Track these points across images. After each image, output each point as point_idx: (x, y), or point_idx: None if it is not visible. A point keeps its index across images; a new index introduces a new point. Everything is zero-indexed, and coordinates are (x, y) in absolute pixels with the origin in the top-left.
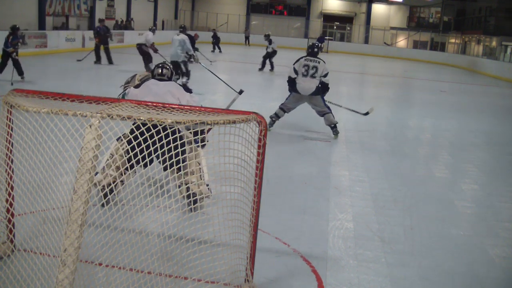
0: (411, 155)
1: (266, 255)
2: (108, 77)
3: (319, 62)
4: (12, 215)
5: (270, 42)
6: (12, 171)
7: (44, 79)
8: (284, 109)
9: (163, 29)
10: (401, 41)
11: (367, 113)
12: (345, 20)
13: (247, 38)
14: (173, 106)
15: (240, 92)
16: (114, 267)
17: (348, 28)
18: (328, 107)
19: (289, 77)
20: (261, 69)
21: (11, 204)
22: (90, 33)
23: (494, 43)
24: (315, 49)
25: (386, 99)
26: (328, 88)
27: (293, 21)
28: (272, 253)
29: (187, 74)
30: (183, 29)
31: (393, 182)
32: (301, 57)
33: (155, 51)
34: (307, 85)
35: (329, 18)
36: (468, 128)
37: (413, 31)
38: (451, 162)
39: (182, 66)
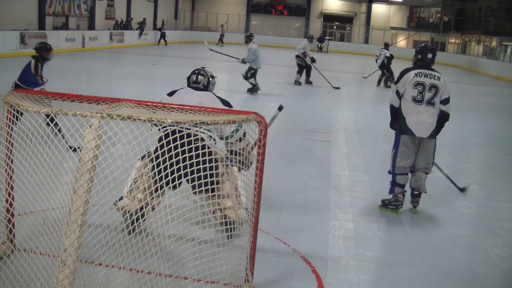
0: None
1: (266, 255)
2: (108, 77)
3: (439, 78)
4: (12, 215)
5: (386, 47)
6: (12, 171)
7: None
8: (405, 171)
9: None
10: (401, 41)
11: (463, 189)
12: (345, 20)
13: (221, 36)
14: (173, 106)
15: (280, 108)
16: (114, 267)
17: (348, 28)
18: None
19: (390, 106)
20: (391, 79)
21: (11, 204)
22: (90, 33)
23: (494, 43)
24: (431, 55)
25: (387, 99)
26: (447, 120)
27: (293, 21)
28: (272, 253)
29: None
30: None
31: None
32: (408, 70)
33: (312, 61)
34: (424, 118)
35: (329, 18)
36: (468, 128)
37: (413, 31)
38: (451, 162)
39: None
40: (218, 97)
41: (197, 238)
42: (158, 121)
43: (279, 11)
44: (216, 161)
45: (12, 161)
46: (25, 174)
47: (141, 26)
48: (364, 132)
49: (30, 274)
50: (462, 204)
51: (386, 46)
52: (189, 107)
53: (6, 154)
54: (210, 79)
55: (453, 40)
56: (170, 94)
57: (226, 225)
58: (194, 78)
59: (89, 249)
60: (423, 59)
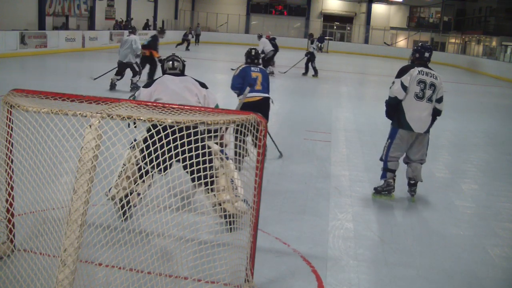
0: None
1: (266, 255)
2: (108, 77)
3: (436, 77)
4: (12, 215)
5: (312, 42)
6: (12, 171)
7: (44, 79)
8: (396, 159)
9: None
10: (401, 41)
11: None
12: (345, 20)
13: (198, 35)
14: (173, 106)
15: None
16: (114, 267)
17: (348, 28)
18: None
19: (393, 99)
20: (304, 73)
21: (11, 204)
22: (90, 33)
23: (494, 43)
24: (428, 54)
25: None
26: (439, 115)
27: (293, 21)
28: (272, 253)
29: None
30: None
31: None
32: (410, 66)
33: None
34: (423, 115)
35: (329, 18)
36: (468, 128)
37: (413, 31)
38: (451, 162)
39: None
40: (196, 80)
41: (197, 238)
42: (158, 121)
43: (279, 11)
44: (210, 154)
45: (12, 161)
46: (25, 174)
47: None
48: (364, 132)
49: (30, 274)
50: (462, 204)
51: (311, 36)
52: (189, 107)
53: (6, 154)
54: (184, 63)
55: (453, 40)
56: (147, 85)
57: (225, 218)
58: (171, 65)
59: (89, 249)
60: (421, 57)
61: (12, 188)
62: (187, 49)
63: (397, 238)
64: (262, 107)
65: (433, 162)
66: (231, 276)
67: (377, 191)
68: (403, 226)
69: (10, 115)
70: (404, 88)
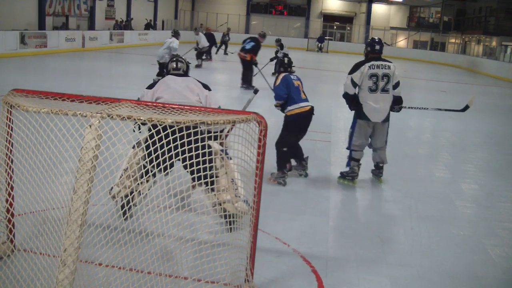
0: (411, 155)
1: (266, 255)
2: (108, 77)
3: (389, 67)
4: (12, 215)
5: (281, 47)
6: (12, 171)
7: (44, 79)
8: (360, 149)
9: (163, 29)
10: (401, 41)
11: (466, 108)
12: (345, 20)
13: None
14: (173, 106)
15: (255, 91)
16: (114, 267)
17: (348, 28)
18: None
19: (345, 93)
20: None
21: (11, 204)
22: (90, 33)
23: (494, 43)
24: (378, 47)
25: None
26: (401, 103)
27: (293, 21)
28: (272, 253)
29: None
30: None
31: (393, 182)
32: (361, 63)
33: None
34: (379, 105)
35: (329, 18)
36: (468, 128)
37: (413, 31)
38: (451, 162)
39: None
40: (199, 81)
41: (197, 238)
42: (158, 121)
43: (279, 11)
44: (211, 154)
45: (12, 161)
46: (25, 174)
47: (224, 40)
48: None
49: (30, 274)
50: (462, 204)
51: (279, 41)
52: (189, 107)
53: (6, 154)
54: (188, 65)
55: (453, 40)
56: (150, 86)
57: (225, 218)
58: (174, 65)
59: (89, 249)
60: (373, 50)
61: (12, 188)
62: (225, 53)
63: (397, 238)
64: (311, 116)
65: (433, 162)
66: (231, 276)
67: (342, 175)
68: (403, 226)
69: (10, 115)
70: (354, 84)
